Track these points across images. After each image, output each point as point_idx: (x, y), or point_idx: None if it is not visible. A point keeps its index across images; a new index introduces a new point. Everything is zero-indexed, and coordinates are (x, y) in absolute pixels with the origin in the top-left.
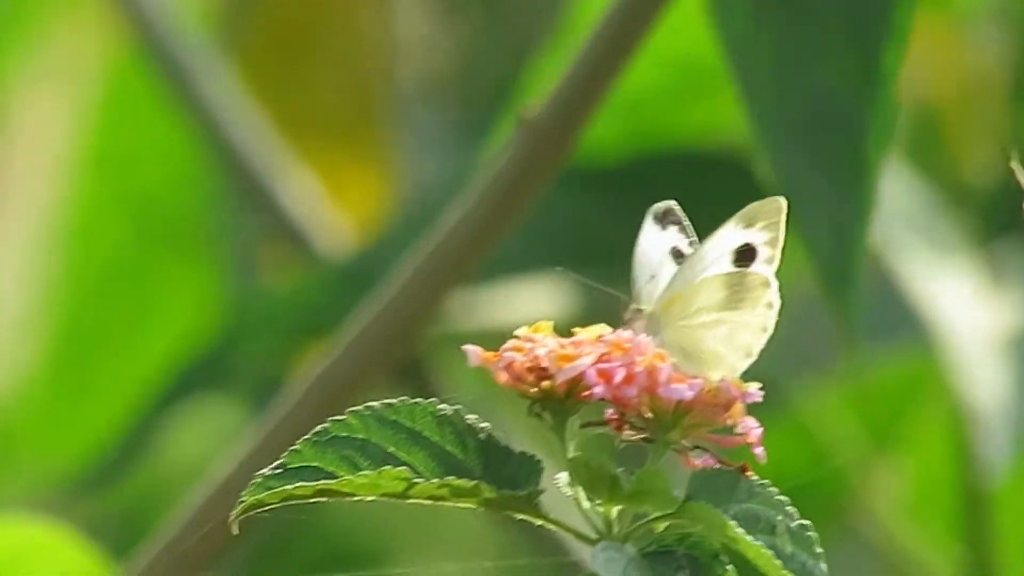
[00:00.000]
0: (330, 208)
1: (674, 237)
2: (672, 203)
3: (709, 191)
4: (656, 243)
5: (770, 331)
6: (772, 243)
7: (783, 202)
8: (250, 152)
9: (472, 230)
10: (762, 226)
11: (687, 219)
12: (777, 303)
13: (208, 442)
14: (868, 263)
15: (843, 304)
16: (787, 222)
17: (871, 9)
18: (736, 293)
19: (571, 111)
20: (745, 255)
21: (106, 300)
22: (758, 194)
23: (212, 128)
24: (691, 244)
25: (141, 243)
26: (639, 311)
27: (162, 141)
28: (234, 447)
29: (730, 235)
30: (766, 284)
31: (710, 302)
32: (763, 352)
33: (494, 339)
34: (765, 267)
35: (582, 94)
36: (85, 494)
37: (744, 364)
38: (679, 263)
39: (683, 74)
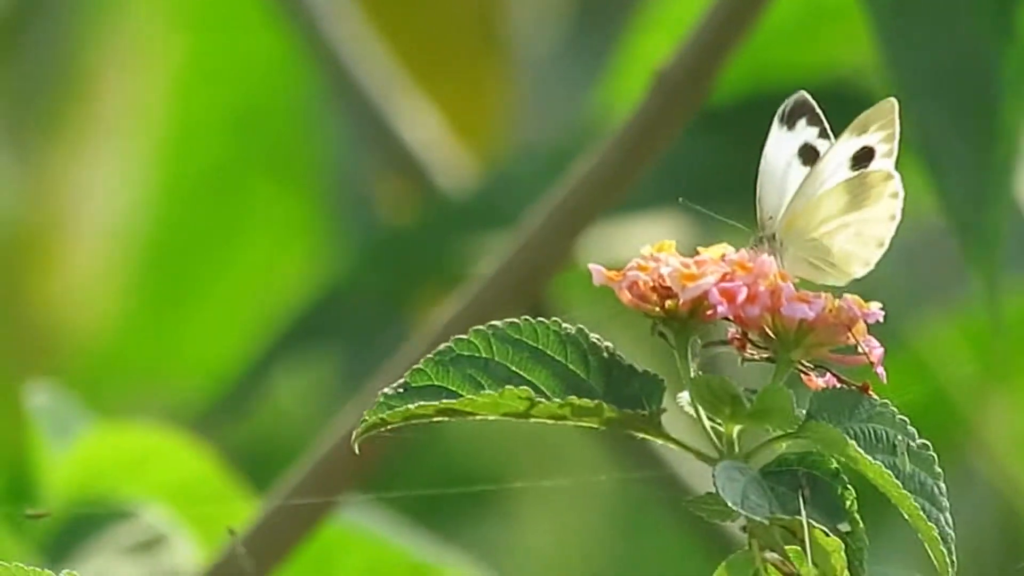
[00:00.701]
0: (449, 139)
1: (804, 134)
2: (802, 93)
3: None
4: (781, 150)
5: (898, 218)
6: (888, 139)
7: (894, 102)
8: (367, 80)
9: (603, 180)
10: (876, 127)
11: (819, 108)
12: (902, 192)
13: (324, 380)
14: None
15: (983, 260)
16: (922, 173)
17: None
18: (859, 194)
19: (703, 63)
20: (863, 157)
21: (201, 215)
22: None
23: (327, 54)
24: (822, 135)
25: (239, 158)
26: (760, 239)
27: (268, 57)
28: (370, 386)
29: (845, 146)
30: (888, 177)
31: (833, 211)
32: (880, 284)
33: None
34: (884, 161)
35: (714, 46)
36: (201, 429)
37: (878, 255)
38: (806, 165)
39: (802, 9)
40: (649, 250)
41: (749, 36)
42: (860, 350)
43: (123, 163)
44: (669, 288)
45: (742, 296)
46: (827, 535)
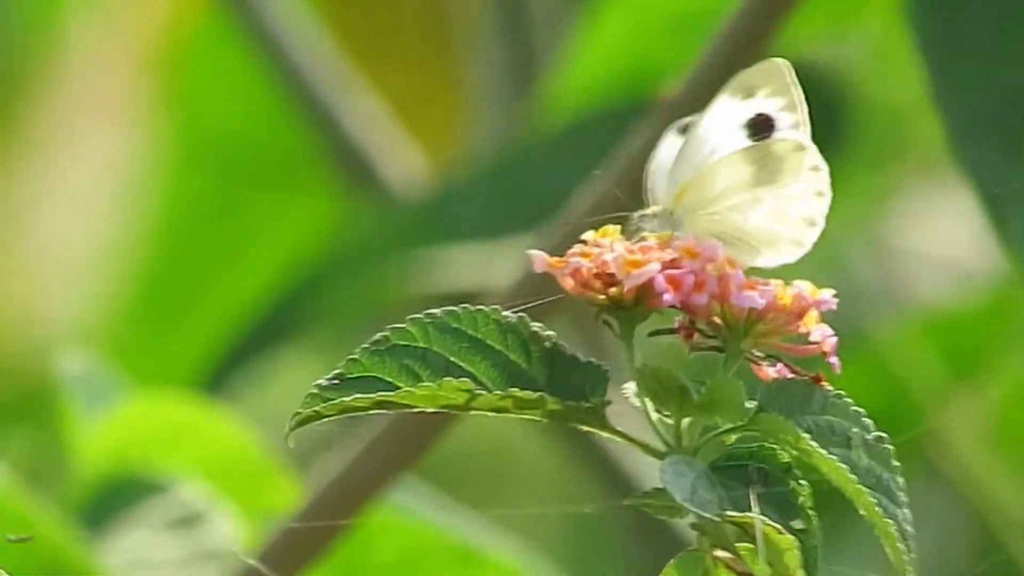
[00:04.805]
0: (404, 140)
1: None
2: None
3: None
4: (671, 148)
5: (827, 194)
6: (791, 108)
7: (782, 62)
8: (322, 82)
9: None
10: (768, 93)
11: None
12: (824, 165)
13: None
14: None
15: None
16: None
17: None
18: (767, 166)
19: (708, 93)
20: (761, 126)
21: (195, 236)
22: None
23: (287, 62)
24: None
25: (226, 181)
26: (644, 216)
27: (238, 78)
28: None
29: (730, 109)
30: (801, 147)
31: (735, 182)
32: (840, 279)
33: (463, 301)
34: (792, 133)
35: (721, 76)
36: None
37: (810, 235)
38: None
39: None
40: (592, 235)
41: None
42: (812, 339)
43: (84, 175)
44: (613, 275)
45: (689, 284)
46: (780, 532)
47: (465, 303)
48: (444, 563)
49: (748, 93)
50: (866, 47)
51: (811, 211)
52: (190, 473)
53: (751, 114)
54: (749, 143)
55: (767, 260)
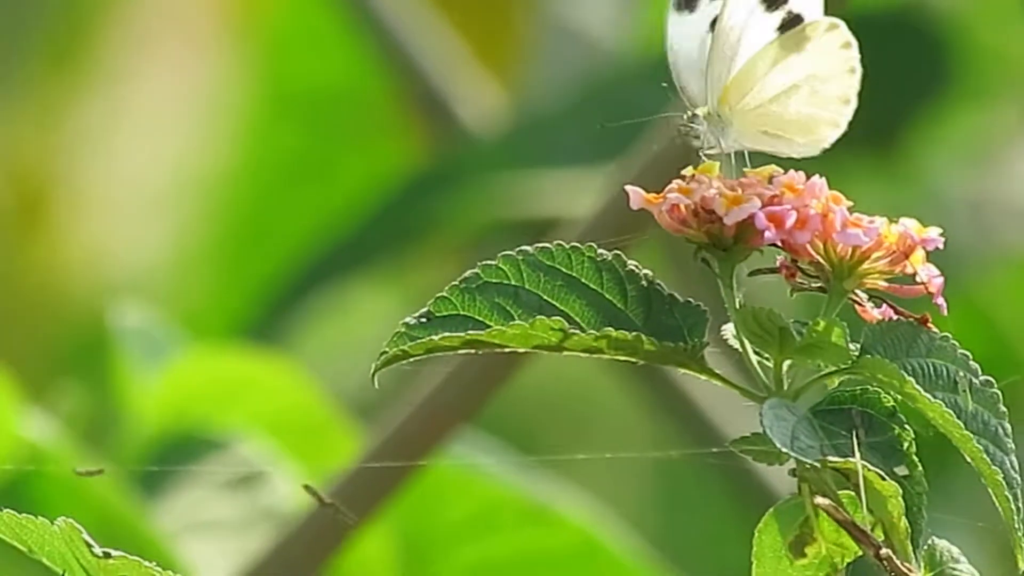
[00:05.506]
0: (474, 74)
1: (707, 11)
2: None
3: None
4: (684, 33)
5: (858, 71)
6: None
7: None
8: (400, 24)
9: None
10: None
11: None
12: (854, 42)
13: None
14: None
15: None
16: None
17: None
18: (799, 47)
19: None
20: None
21: (276, 183)
22: None
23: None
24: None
25: (308, 129)
26: (694, 115)
27: (318, 24)
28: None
29: None
30: (833, 26)
31: (771, 69)
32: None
33: (543, 228)
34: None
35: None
36: None
37: (845, 113)
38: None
39: None
40: (691, 171)
41: None
42: (919, 279)
43: (155, 104)
44: (713, 212)
45: (791, 221)
46: (883, 479)
47: (549, 231)
48: (516, 521)
49: None
50: None
51: (845, 89)
52: (249, 429)
53: None
54: (775, 18)
55: (806, 148)
